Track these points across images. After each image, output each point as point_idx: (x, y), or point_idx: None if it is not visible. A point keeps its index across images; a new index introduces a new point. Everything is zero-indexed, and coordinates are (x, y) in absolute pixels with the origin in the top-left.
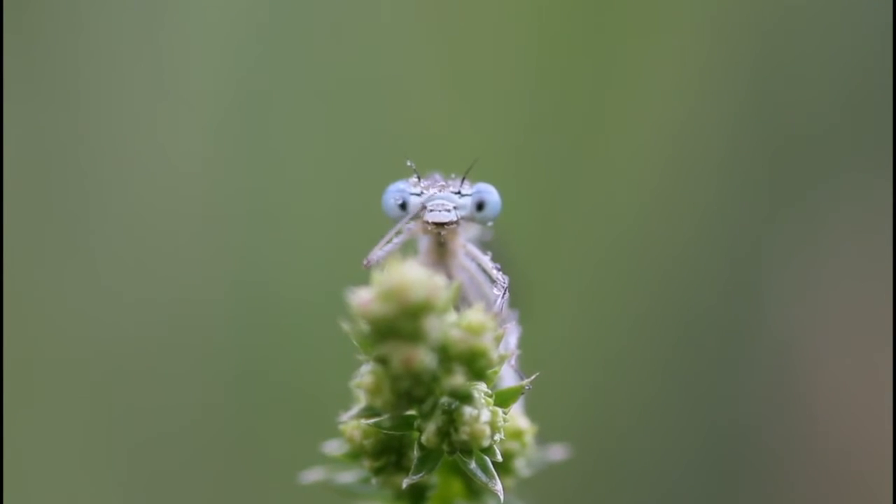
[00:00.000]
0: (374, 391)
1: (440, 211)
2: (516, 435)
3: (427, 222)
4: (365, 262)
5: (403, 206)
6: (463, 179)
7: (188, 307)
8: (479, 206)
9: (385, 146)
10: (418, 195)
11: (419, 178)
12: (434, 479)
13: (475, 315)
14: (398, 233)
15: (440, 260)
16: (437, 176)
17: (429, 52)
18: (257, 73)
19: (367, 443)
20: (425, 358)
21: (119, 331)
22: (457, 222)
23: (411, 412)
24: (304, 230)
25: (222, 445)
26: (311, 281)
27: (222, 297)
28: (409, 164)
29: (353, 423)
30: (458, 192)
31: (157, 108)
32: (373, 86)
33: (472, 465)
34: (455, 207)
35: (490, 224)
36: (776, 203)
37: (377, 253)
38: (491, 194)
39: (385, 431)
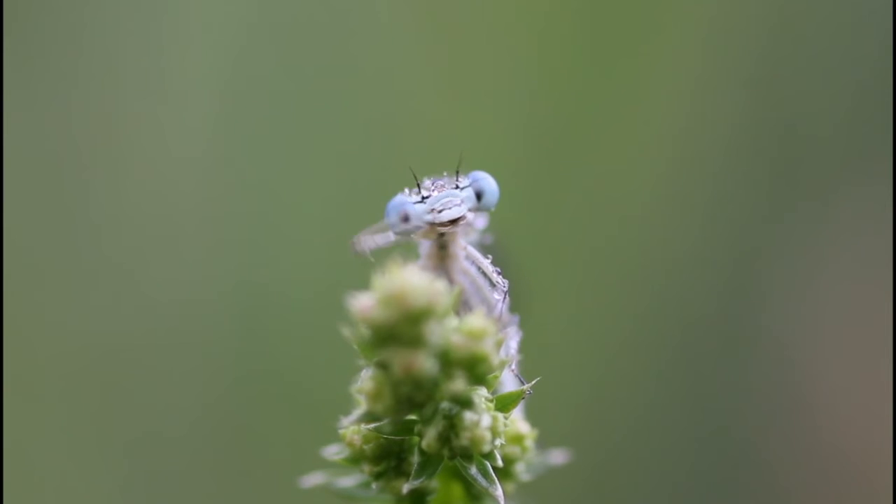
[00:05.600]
0: (374, 396)
1: (450, 208)
2: (517, 439)
3: (438, 223)
4: (352, 245)
5: (406, 218)
6: (457, 173)
7: (188, 306)
8: (479, 195)
9: (384, 143)
10: (421, 202)
11: (419, 186)
12: (434, 484)
13: (476, 320)
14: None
15: (441, 264)
16: (428, 182)
17: (429, 50)
18: (256, 70)
19: (368, 448)
20: (426, 363)
21: (118, 330)
22: (465, 216)
23: (412, 417)
24: (304, 228)
25: (221, 447)
26: (311, 279)
27: (222, 296)
28: (417, 181)
29: (353, 428)
30: (457, 187)
31: (156, 104)
32: (373, 82)
33: (473, 469)
34: (462, 201)
35: (493, 208)
36: (776, 206)
37: (366, 240)
38: (487, 181)
39: (385, 436)
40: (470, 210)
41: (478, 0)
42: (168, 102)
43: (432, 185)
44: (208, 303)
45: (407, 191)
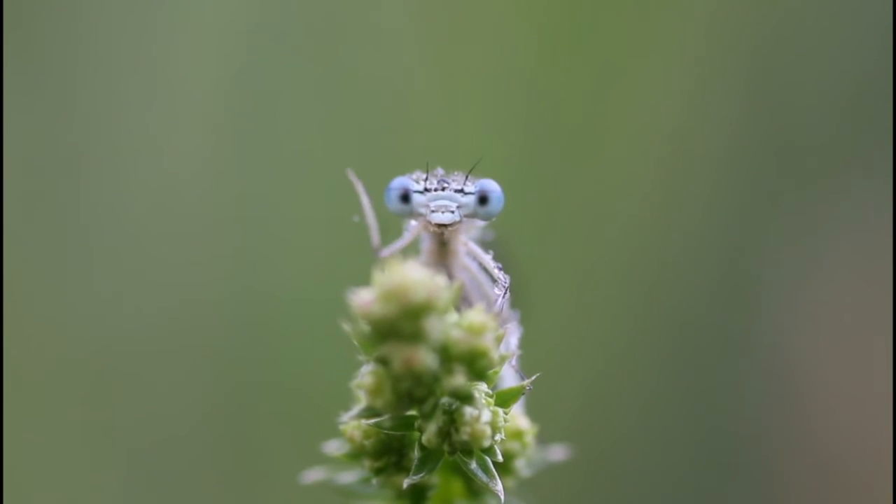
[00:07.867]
0: (374, 392)
1: (443, 212)
2: (517, 435)
3: (430, 223)
4: (379, 253)
5: (406, 198)
6: (466, 177)
7: (187, 309)
8: (483, 200)
9: (384, 146)
10: (421, 193)
11: (425, 174)
12: (434, 479)
13: (476, 315)
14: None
15: (442, 259)
16: (440, 171)
17: (428, 52)
18: (255, 74)
19: (368, 443)
20: (426, 358)
21: (118, 333)
22: (460, 222)
23: (412, 412)
24: (302, 232)
25: (223, 446)
26: (310, 282)
27: (222, 299)
28: (429, 168)
29: (353, 424)
30: (461, 191)
31: (155, 109)
32: (372, 86)
33: (473, 465)
34: (458, 207)
35: (494, 219)
36: (775, 204)
37: (385, 248)
38: (494, 190)
39: (386, 432)
40: (467, 216)
41: (475, 2)
42: (167, 109)
43: (440, 179)
44: (209, 306)
45: (416, 174)
